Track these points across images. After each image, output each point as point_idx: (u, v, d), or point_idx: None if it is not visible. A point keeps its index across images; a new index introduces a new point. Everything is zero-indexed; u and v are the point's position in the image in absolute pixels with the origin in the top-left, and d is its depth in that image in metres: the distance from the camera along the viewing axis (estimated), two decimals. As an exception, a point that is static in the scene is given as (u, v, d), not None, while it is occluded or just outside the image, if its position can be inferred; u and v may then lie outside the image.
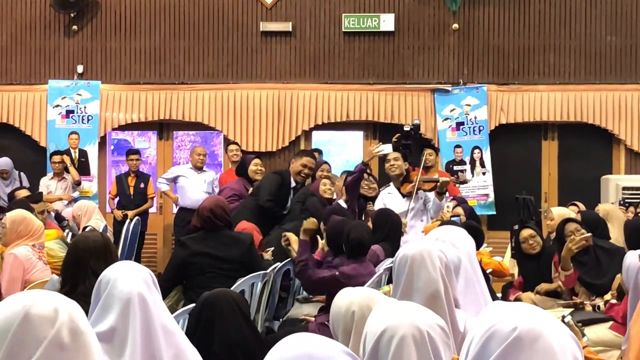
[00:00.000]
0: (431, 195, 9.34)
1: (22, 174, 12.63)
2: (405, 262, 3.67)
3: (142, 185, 12.55)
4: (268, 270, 6.86)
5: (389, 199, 9.33)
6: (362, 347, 2.52)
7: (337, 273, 6.57)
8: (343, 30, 13.33)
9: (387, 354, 2.44)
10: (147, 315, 3.25)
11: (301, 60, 13.40)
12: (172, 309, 6.76)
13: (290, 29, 13.30)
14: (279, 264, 7.25)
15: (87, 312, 4.36)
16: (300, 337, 2.08)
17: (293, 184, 9.72)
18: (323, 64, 13.41)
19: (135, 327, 3.23)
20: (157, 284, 3.56)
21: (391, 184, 9.62)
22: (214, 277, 6.78)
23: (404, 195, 9.37)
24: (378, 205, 9.31)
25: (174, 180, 12.35)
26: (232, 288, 5.81)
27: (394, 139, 11.43)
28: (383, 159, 9.79)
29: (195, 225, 7.22)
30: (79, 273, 4.65)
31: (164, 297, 6.76)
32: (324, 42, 13.39)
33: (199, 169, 12.32)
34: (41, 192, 11.08)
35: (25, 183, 12.41)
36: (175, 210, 12.91)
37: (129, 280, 3.45)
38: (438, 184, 9.18)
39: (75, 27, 13.39)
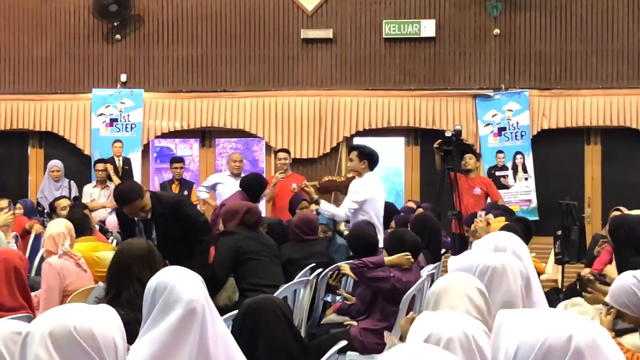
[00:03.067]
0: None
1: (72, 182, 12.80)
2: (486, 271, 3.69)
3: (185, 193, 12.63)
4: (311, 277, 6.89)
5: None
6: None
7: (392, 275, 6.61)
8: (384, 36, 13.34)
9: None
10: (206, 322, 3.28)
11: (342, 67, 13.43)
12: (230, 300, 6.86)
13: (331, 36, 13.34)
14: (324, 271, 7.27)
15: (132, 320, 4.45)
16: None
17: None
18: (364, 70, 13.43)
19: (193, 332, 3.26)
20: (207, 289, 3.61)
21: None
22: (267, 262, 6.87)
23: None
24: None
25: (212, 187, 12.40)
26: (275, 294, 5.87)
27: (435, 145, 11.47)
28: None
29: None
30: (124, 280, 4.70)
31: (219, 290, 6.89)
32: (364, 48, 13.42)
33: (236, 175, 12.34)
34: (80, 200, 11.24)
35: (75, 191, 12.60)
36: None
37: (186, 286, 3.49)
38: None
39: (118, 36, 13.53)
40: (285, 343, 3.72)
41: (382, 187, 9.69)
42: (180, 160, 12.89)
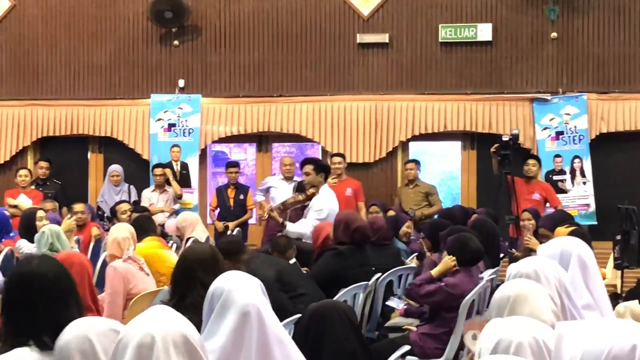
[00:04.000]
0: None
1: (131, 187, 12.97)
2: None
3: (241, 197, 12.74)
4: (370, 282, 6.92)
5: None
6: None
7: (442, 284, 6.64)
8: (440, 40, 13.31)
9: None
10: (263, 326, 3.32)
11: (398, 71, 13.43)
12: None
13: (387, 40, 13.36)
14: (382, 275, 7.29)
15: (196, 324, 4.51)
16: None
17: None
18: (420, 74, 13.42)
19: (252, 338, 3.29)
20: (266, 294, 3.65)
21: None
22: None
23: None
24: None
25: (266, 191, 12.48)
26: (334, 299, 5.91)
27: (492, 149, 11.43)
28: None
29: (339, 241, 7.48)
30: (188, 284, 4.75)
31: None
32: (420, 52, 13.41)
33: (288, 179, 12.41)
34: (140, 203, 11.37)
35: (134, 196, 12.76)
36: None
37: (244, 290, 3.54)
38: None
39: (176, 42, 13.67)
40: (351, 348, 3.74)
41: (334, 195, 9.80)
42: (236, 164, 12.99)
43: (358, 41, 13.43)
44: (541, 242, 7.30)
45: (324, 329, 3.69)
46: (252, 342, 3.27)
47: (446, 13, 13.32)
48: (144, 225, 7.87)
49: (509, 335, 2.51)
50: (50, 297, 3.38)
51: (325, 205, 9.25)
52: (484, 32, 13.21)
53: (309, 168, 9.50)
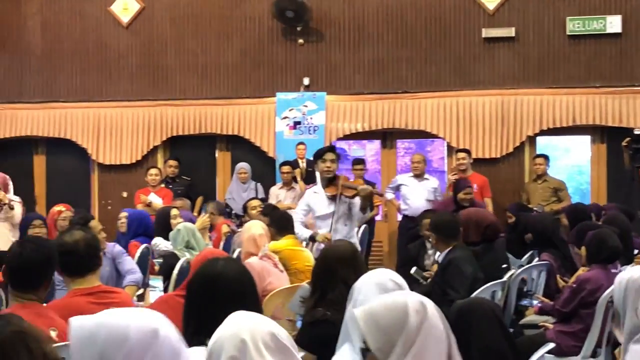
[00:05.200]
0: (357, 201, 8.71)
1: (258, 184, 13.15)
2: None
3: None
4: (505, 278, 6.87)
5: (314, 198, 8.84)
6: None
7: (573, 285, 6.55)
8: (567, 33, 13.09)
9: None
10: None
11: (525, 66, 13.26)
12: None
13: (514, 34, 13.20)
14: (516, 271, 7.23)
15: (338, 320, 4.55)
16: None
17: None
18: (547, 68, 13.21)
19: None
20: None
21: (318, 182, 9.05)
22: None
23: (328, 197, 8.74)
24: (301, 204, 9.07)
25: (397, 188, 12.47)
26: (472, 295, 5.89)
27: (624, 143, 11.19)
28: (318, 157, 8.88)
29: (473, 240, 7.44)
30: (329, 281, 4.81)
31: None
32: (547, 46, 13.20)
33: (418, 176, 12.38)
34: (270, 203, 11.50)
35: (261, 193, 12.91)
36: (399, 218, 13.02)
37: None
38: (359, 193, 8.57)
39: (301, 40, 13.79)
40: (499, 346, 3.73)
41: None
42: (362, 161, 13.01)
43: (483, 36, 13.31)
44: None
45: (470, 327, 3.69)
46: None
47: (574, 5, 13.08)
48: (284, 223, 8.01)
49: None
50: (232, 298, 3.49)
51: None
52: (613, 24, 12.92)
53: (333, 156, 8.87)
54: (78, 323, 2.31)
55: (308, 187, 9.85)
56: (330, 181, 8.69)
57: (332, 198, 8.62)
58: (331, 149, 9.03)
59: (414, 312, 2.62)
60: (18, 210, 10.30)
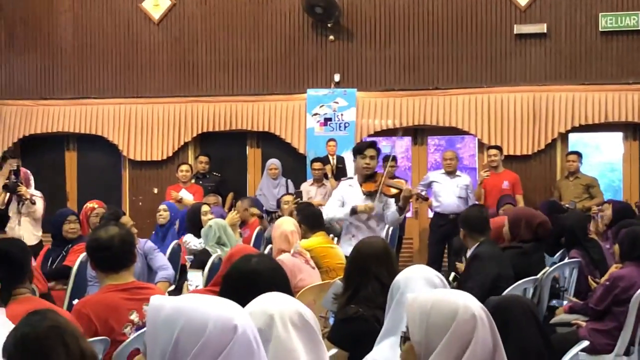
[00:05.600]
0: (392, 202, 8.34)
1: (288, 180, 13.16)
2: None
3: (397, 190, 12.70)
4: (538, 276, 6.83)
5: (349, 191, 8.41)
6: None
7: (607, 283, 6.51)
8: (600, 30, 12.99)
9: None
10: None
11: (556, 62, 13.18)
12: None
13: (545, 31, 13.12)
14: (549, 269, 7.19)
15: (370, 317, 4.55)
16: None
17: None
18: (579, 65, 13.13)
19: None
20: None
21: (355, 177, 8.64)
22: None
23: (364, 193, 8.31)
24: (335, 194, 8.59)
25: (428, 185, 12.43)
26: (503, 293, 5.85)
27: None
28: (359, 152, 8.50)
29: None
30: (361, 278, 4.78)
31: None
32: (579, 42, 13.12)
33: (450, 173, 12.33)
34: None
35: (291, 189, 12.92)
36: (430, 215, 12.98)
37: (417, 282, 3.61)
38: (401, 194, 8.13)
39: (331, 37, 13.78)
40: (535, 344, 3.71)
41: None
42: (394, 158, 12.94)
43: (515, 32, 13.24)
44: None
45: (507, 324, 3.66)
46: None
47: (606, 1, 12.99)
48: (315, 220, 8.01)
49: None
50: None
51: None
52: (646, 20, 12.83)
53: (374, 152, 8.47)
54: (158, 302, 2.30)
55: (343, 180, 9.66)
56: (368, 177, 8.35)
57: (369, 194, 8.25)
58: (372, 144, 8.58)
59: (463, 321, 2.60)
60: (40, 205, 10.40)
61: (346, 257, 6.51)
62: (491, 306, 3.80)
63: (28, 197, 10.16)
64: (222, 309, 2.27)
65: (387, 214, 8.31)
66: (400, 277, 3.77)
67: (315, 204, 12.22)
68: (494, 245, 6.99)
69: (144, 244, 7.90)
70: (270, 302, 2.58)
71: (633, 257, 6.64)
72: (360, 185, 8.36)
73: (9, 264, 4.58)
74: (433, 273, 3.77)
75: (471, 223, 7.06)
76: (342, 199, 8.38)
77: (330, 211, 8.32)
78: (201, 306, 2.25)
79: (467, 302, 2.68)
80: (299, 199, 11.05)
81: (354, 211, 8.15)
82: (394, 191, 8.24)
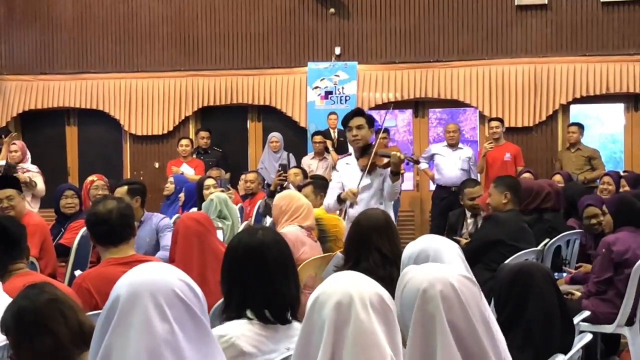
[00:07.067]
0: (388, 172, 7.27)
1: (290, 155, 13.13)
2: None
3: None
4: (539, 247, 6.83)
5: (346, 169, 7.57)
6: None
7: (603, 250, 6.50)
8: (601, 0, 12.94)
9: None
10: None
11: (557, 33, 13.14)
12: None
13: (546, 2, 13.07)
14: (549, 241, 7.19)
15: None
16: None
17: None
18: (580, 35, 13.09)
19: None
20: None
21: (352, 153, 7.66)
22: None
23: (361, 170, 7.43)
24: (334, 177, 7.75)
25: (430, 158, 12.42)
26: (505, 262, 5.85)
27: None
28: (345, 125, 7.60)
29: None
30: (362, 249, 4.77)
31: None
32: (580, 13, 13.07)
33: (452, 146, 12.31)
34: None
35: (292, 163, 12.88)
36: (432, 187, 12.97)
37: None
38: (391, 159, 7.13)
39: (332, 9, 13.72)
40: (554, 308, 3.73)
41: None
42: (386, 130, 12.90)
43: (516, 3, 13.19)
44: None
45: (531, 286, 3.69)
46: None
47: (608, -29, 12.93)
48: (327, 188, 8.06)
49: None
50: (276, 266, 3.51)
51: None
52: (648, -11, 12.77)
53: (362, 120, 7.47)
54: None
55: (340, 157, 8.95)
56: (364, 151, 7.44)
57: (364, 169, 7.36)
58: (356, 112, 7.65)
59: (426, 298, 2.55)
60: (40, 184, 10.42)
61: None
62: (514, 271, 3.82)
63: (28, 181, 10.19)
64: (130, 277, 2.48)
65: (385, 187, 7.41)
66: (424, 246, 3.63)
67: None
68: (513, 215, 7.01)
69: (159, 220, 7.79)
70: (349, 282, 2.51)
71: (627, 223, 6.62)
72: (357, 161, 7.55)
73: (5, 239, 4.58)
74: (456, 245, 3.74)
75: (517, 189, 7.25)
76: (340, 180, 7.63)
77: (330, 200, 7.59)
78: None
79: (439, 277, 2.60)
80: (282, 172, 11.00)
81: (339, 199, 7.50)
82: (386, 160, 7.27)
